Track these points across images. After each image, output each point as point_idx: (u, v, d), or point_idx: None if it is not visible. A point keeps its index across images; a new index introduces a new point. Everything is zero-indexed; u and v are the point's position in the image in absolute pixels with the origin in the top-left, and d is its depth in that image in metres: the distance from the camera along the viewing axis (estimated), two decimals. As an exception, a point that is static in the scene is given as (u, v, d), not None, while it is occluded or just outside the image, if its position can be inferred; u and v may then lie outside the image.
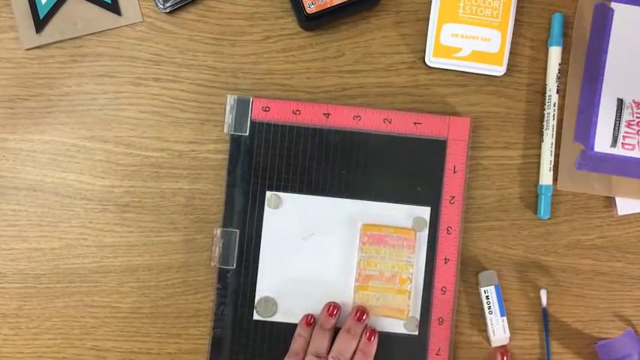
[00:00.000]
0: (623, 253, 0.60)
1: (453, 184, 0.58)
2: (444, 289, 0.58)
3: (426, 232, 0.59)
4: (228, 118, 0.58)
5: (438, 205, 0.59)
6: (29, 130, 0.59)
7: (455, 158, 0.58)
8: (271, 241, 0.58)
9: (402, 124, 0.59)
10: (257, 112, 0.58)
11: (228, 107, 0.58)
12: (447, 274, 0.58)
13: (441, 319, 0.58)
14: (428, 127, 0.59)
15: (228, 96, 0.58)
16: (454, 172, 0.58)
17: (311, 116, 0.59)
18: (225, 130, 0.58)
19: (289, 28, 0.60)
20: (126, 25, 0.60)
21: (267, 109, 0.58)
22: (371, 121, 0.59)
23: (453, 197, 0.58)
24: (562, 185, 0.60)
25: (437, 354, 0.58)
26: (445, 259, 0.58)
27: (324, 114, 0.58)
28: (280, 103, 0.58)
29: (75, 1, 0.59)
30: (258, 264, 0.58)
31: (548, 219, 0.60)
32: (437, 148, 0.59)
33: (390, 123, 0.59)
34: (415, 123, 0.59)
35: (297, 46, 0.60)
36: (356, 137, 0.59)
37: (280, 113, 0.58)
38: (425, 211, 0.59)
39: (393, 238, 0.58)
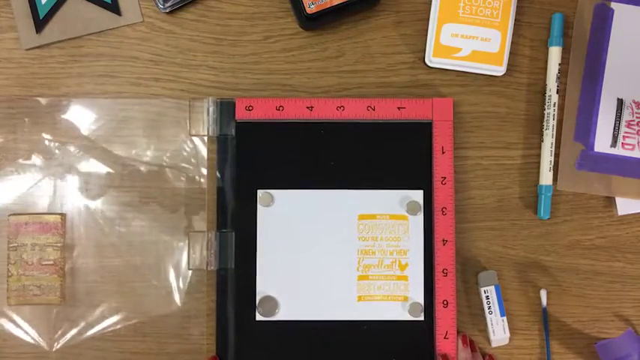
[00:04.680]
0: (623, 253, 0.60)
1: (443, 164, 0.58)
2: (445, 271, 0.58)
3: (421, 216, 0.58)
4: (208, 120, 0.58)
5: (430, 187, 0.58)
6: (29, 130, 0.59)
7: (442, 139, 0.58)
8: (267, 240, 0.58)
9: (386, 110, 0.59)
10: (241, 112, 0.58)
11: (208, 110, 0.58)
12: (446, 256, 0.58)
13: (445, 302, 0.58)
14: (412, 110, 0.59)
15: (209, 99, 0.58)
16: (443, 153, 0.58)
17: (294, 111, 0.59)
18: (211, 133, 0.58)
19: (289, 28, 0.60)
20: (126, 25, 0.60)
21: (251, 108, 0.58)
22: (354, 110, 0.59)
23: (445, 178, 0.58)
24: (562, 185, 0.59)
25: (445, 338, 0.57)
26: (443, 240, 0.58)
27: (307, 107, 0.59)
28: (263, 100, 0.58)
29: (75, 1, 0.59)
30: (256, 264, 0.58)
31: (548, 219, 0.60)
32: (423, 131, 0.59)
33: (374, 110, 0.59)
34: (399, 108, 0.59)
35: (297, 46, 0.60)
36: (341, 127, 0.59)
37: (264, 111, 0.58)
38: (418, 195, 0.59)
39: (388, 225, 0.58)
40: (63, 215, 0.59)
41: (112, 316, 0.59)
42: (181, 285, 0.59)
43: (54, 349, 0.59)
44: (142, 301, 0.59)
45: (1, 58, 0.60)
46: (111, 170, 0.59)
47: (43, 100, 0.59)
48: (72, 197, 0.59)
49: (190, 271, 0.59)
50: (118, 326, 0.59)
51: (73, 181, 0.59)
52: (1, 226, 0.59)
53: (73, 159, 0.59)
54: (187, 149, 0.59)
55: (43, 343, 0.59)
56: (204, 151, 0.59)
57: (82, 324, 0.59)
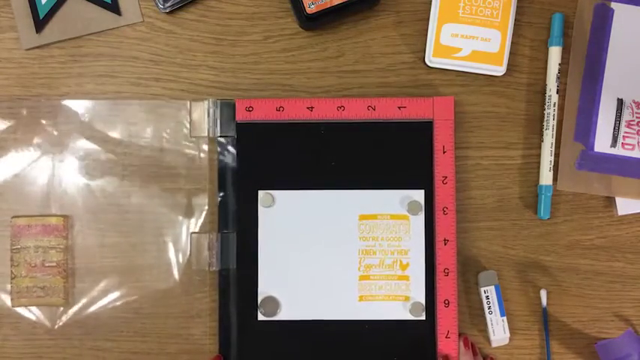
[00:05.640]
0: (623, 253, 0.60)
1: (444, 164, 0.58)
2: (446, 270, 0.58)
3: (422, 215, 0.58)
4: (209, 122, 0.58)
5: (431, 187, 0.58)
6: (30, 131, 0.59)
7: (443, 138, 0.58)
8: (268, 240, 0.58)
9: (387, 110, 0.59)
10: (241, 113, 0.58)
11: (208, 111, 0.58)
12: (447, 255, 0.58)
13: (446, 302, 0.58)
14: (412, 109, 0.59)
15: (210, 100, 0.58)
16: (444, 152, 0.58)
17: (295, 111, 0.59)
18: (212, 134, 0.58)
19: (289, 28, 0.60)
20: (126, 25, 0.60)
21: (251, 108, 0.58)
22: (355, 110, 0.59)
23: (446, 177, 0.58)
24: (562, 185, 0.60)
25: (446, 337, 0.58)
26: (444, 240, 0.58)
27: (308, 108, 0.59)
28: (263, 101, 0.58)
29: (75, 1, 0.59)
30: (257, 264, 0.58)
31: (548, 219, 0.60)
32: (424, 130, 0.59)
33: (375, 110, 0.59)
34: (399, 107, 0.59)
35: (297, 46, 0.60)
36: (342, 127, 0.59)
37: (264, 112, 0.58)
38: (419, 194, 0.59)
39: (389, 225, 0.58)
40: (66, 217, 0.59)
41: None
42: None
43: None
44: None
45: (1, 58, 0.60)
46: (111, 172, 0.59)
47: (43, 100, 0.59)
48: (74, 199, 0.59)
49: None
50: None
51: (75, 183, 0.59)
52: (4, 227, 0.59)
53: (74, 160, 0.59)
54: (188, 151, 0.59)
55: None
56: (204, 152, 0.59)
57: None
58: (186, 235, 0.59)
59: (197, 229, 0.59)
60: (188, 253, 0.59)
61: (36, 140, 0.59)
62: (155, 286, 0.59)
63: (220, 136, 0.59)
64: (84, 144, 0.59)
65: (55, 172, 0.59)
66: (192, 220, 0.59)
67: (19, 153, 0.59)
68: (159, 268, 0.59)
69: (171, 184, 0.59)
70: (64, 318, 0.59)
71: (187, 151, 0.59)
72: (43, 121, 0.59)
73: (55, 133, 0.59)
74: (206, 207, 0.59)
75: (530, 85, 0.60)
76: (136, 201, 0.59)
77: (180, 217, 0.59)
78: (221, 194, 0.59)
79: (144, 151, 0.59)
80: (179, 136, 0.59)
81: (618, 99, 0.60)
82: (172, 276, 0.59)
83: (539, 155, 0.60)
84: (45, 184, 0.59)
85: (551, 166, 0.59)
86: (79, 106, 0.59)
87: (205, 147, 0.59)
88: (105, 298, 0.59)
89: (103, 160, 0.59)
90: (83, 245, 0.59)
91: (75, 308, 0.59)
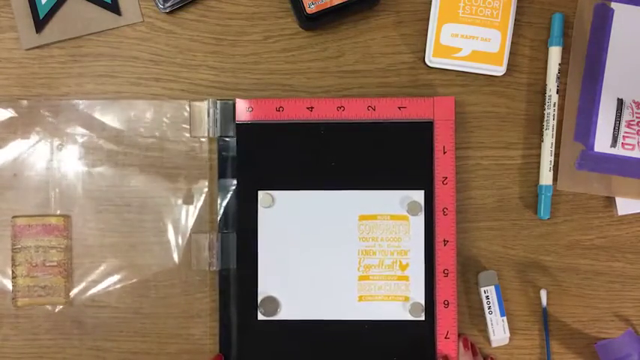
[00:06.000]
0: (623, 253, 0.60)
1: (444, 164, 0.58)
2: (446, 271, 0.58)
3: (422, 216, 0.58)
4: (209, 122, 0.58)
5: (431, 188, 0.58)
6: (30, 131, 0.59)
7: (443, 138, 0.58)
8: (268, 240, 0.58)
9: (387, 110, 0.59)
10: (241, 114, 0.58)
11: (208, 111, 0.58)
12: (447, 256, 0.58)
13: (446, 302, 0.58)
14: (413, 110, 0.59)
15: (209, 100, 0.58)
16: (444, 153, 0.58)
17: (294, 111, 0.59)
18: (211, 134, 0.58)
19: (289, 28, 0.60)
20: (126, 25, 0.60)
21: (251, 109, 0.58)
22: (355, 110, 0.59)
23: (446, 178, 0.58)
24: (562, 185, 0.60)
25: (446, 337, 0.58)
26: (444, 240, 0.58)
27: (308, 108, 0.59)
28: (263, 101, 0.59)
29: (75, 1, 0.59)
30: (257, 264, 0.58)
31: (548, 219, 0.60)
32: (424, 130, 0.59)
33: (375, 110, 0.59)
34: (400, 107, 0.59)
35: (297, 46, 0.60)
36: (342, 127, 0.59)
37: (264, 112, 0.58)
38: (419, 195, 0.59)
39: (389, 226, 0.58)
40: (66, 217, 0.59)
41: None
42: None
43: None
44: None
45: (1, 58, 0.60)
46: (111, 172, 0.59)
47: (43, 101, 0.59)
48: (74, 199, 0.59)
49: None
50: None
51: (75, 183, 0.59)
52: (5, 227, 0.59)
53: (74, 159, 0.59)
54: (188, 150, 0.59)
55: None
56: (204, 152, 0.59)
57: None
58: (186, 235, 0.59)
59: (197, 229, 0.59)
60: (188, 253, 0.59)
61: (35, 139, 0.59)
62: (155, 286, 0.59)
63: (220, 136, 0.59)
64: (84, 143, 0.59)
65: (54, 171, 0.59)
66: (192, 220, 0.59)
67: (19, 152, 0.59)
68: (159, 267, 0.59)
69: (171, 184, 0.59)
70: (64, 317, 0.59)
71: (187, 151, 0.59)
72: (43, 121, 0.59)
73: (55, 132, 0.59)
74: (206, 207, 0.59)
75: (530, 85, 0.60)
76: (135, 201, 0.59)
77: (180, 217, 0.59)
78: (221, 194, 0.59)
79: (144, 151, 0.59)
80: (179, 136, 0.59)
81: (618, 99, 0.60)
82: (172, 276, 0.59)
83: (539, 155, 0.60)
84: (45, 183, 0.59)
85: (551, 166, 0.59)
86: (79, 106, 0.59)
87: (205, 147, 0.59)
88: (105, 297, 0.59)
89: (102, 159, 0.59)
90: (83, 245, 0.59)
91: (75, 307, 0.59)
